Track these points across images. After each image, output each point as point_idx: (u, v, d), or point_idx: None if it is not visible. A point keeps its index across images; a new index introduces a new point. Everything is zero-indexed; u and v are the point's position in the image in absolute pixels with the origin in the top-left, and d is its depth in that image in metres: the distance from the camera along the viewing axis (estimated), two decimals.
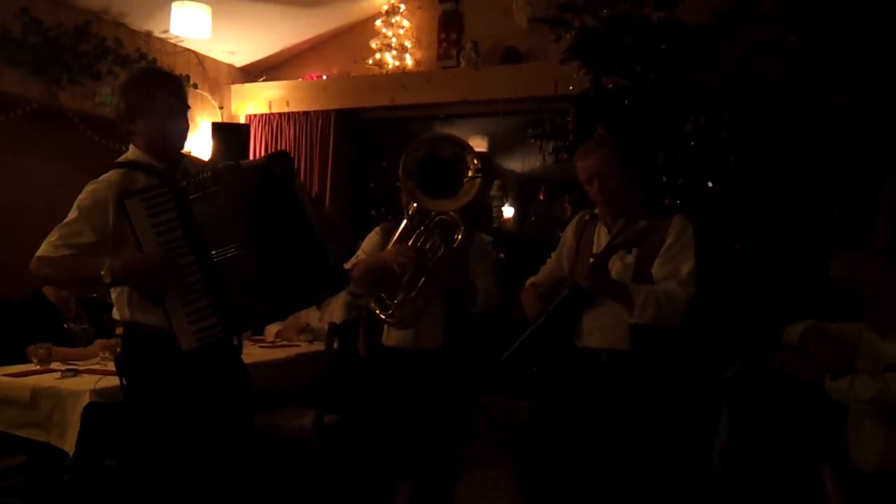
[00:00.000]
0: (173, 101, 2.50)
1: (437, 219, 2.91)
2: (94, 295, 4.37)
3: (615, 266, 2.67)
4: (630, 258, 2.70)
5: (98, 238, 2.39)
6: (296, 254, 2.46)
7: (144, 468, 2.54)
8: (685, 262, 2.64)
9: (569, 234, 3.01)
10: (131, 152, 2.54)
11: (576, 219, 3.02)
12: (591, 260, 2.61)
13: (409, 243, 2.91)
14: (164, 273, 2.33)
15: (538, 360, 2.96)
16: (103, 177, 2.47)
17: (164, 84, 2.53)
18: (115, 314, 2.55)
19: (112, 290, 2.50)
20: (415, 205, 2.91)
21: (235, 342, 2.80)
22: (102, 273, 2.30)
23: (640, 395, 2.67)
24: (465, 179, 2.87)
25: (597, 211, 2.87)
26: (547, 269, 3.06)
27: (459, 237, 2.89)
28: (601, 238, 2.80)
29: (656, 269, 2.67)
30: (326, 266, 2.50)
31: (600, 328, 2.73)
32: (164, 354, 2.41)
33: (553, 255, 3.08)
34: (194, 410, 2.50)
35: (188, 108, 2.56)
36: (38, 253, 2.38)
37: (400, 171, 2.86)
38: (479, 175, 2.86)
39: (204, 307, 2.37)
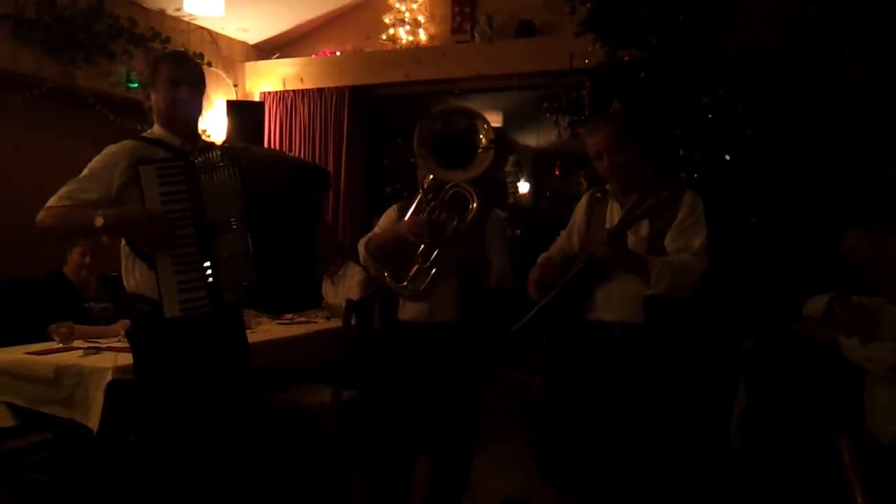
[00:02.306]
0: (174, 72, 2.60)
1: (451, 191, 2.93)
2: (115, 273, 4.42)
3: (629, 240, 2.72)
4: (644, 232, 2.74)
5: (100, 196, 2.49)
6: (290, 250, 2.59)
7: (156, 442, 2.62)
8: (697, 235, 2.70)
9: (579, 211, 3.05)
10: (154, 129, 2.66)
11: (586, 196, 3.06)
12: (608, 230, 2.65)
13: (424, 215, 2.93)
14: (157, 229, 2.43)
15: (549, 334, 2.98)
16: (121, 142, 2.59)
17: (168, 57, 2.71)
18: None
19: (122, 257, 2.61)
20: (430, 177, 2.93)
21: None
22: (96, 218, 2.41)
23: (653, 367, 2.71)
24: (479, 150, 2.89)
25: (608, 187, 2.90)
26: (558, 246, 3.09)
27: (473, 209, 2.90)
28: (614, 214, 2.84)
29: (669, 243, 2.72)
30: (310, 277, 2.58)
31: (613, 301, 2.76)
32: (167, 328, 2.50)
33: (563, 232, 3.11)
34: (198, 385, 2.59)
35: (194, 78, 2.64)
36: (46, 204, 2.51)
37: (415, 141, 2.89)
38: (493, 146, 2.88)
39: (195, 279, 2.46)
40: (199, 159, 2.51)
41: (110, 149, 2.57)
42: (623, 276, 2.72)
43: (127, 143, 2.58)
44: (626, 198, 2.82)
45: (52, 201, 2.50)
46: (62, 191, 2.51)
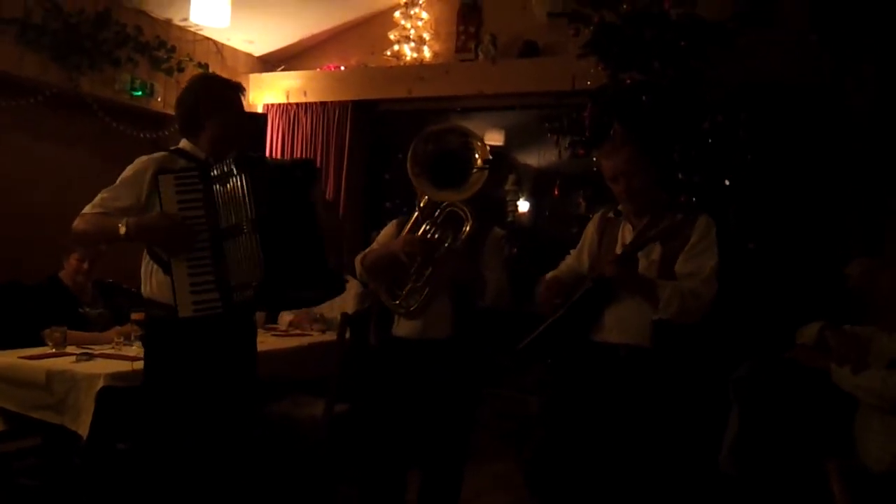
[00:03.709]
0: (242, 104, 2.84)
1: (446, 210, 2.93)
2: (111, 280, 4.43)
3: (641, 263, 2.72)
4: (655, 255, 2.74)
5: (130, 204, 2.67)
6: (296, 249, 2.64)
7: (159, 446, 2.68)
8: (709, 260, 2.70)
9: (590, 230, 3.04)
10: (183, 143, 2.82)
11: (598, 216, 3.05)
12: (617, 252, 2.65)
13: (419, 234, 2.93)
14: (174, 234, 2.58)
15: (554, 353, 2.97)
16: (151, 154, 2.79)
17: (240, 88, 2.87)
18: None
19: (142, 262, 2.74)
20: (426, 197, 2.93)
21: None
22: (120, 225, 2.59)
23: (657, 391, 2.70)
24: (474, 170, 2.89)
25: (620, 208, 2.89)
26: (567, 265, 3.08)
27: (468, 229, 2.90)
28: (626, 235, 2.84)
29: (680, 266, 2.72)
30: (324, 268, 2.68)
31: (621, 323, 2.76)
32: (179, 331, 2.63)
33: (573, 251, 3.11)
34: (206, 388, 2.68)
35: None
36: (82, 211, 2.68)
37: (408, 161, 2.90)
38: (487, 167, 2.87)
39: (208, 282, 2.59)
40: (215, 169, 2.62)
41: (140, 159, 2.75)
42: (634, 298, 2.72)
43: (154, 155, 2.77)
44: (640, 220, 2.82)
45: (86, 209, 2.67)
46: (96, 199, 2.67)
